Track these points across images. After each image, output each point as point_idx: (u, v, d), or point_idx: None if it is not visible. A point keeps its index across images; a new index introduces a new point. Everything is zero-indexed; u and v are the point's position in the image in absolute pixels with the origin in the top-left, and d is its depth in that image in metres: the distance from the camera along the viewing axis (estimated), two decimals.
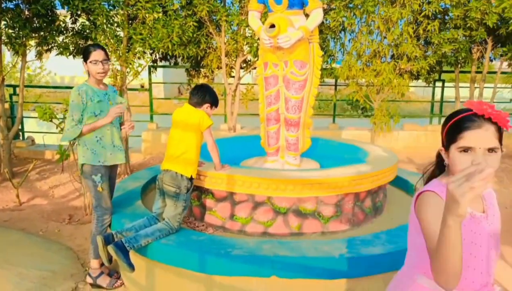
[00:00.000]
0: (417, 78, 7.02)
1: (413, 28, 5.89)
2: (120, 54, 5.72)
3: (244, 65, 6.68)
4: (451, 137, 1.21)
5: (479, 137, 1.15)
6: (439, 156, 1.36)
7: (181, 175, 2.66)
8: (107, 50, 5.59)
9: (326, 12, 5.88)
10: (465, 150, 1.17)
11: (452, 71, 6.96)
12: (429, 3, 5.80)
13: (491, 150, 1.16)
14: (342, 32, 6.44)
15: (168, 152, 2.76)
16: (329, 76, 6.98)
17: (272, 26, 3.32)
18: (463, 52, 6.03)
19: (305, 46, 3.52)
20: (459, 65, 6.61)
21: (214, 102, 2.88)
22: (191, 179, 2.73)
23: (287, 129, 3.65)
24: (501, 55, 6.22)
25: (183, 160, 2.69)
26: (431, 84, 7.58)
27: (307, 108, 3.65)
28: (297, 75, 3.54)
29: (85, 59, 2.88)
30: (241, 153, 4.10)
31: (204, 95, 2.81)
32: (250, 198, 2.95)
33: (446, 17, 6.13)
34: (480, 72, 6.52)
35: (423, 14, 5.85)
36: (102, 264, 2.97)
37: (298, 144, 3.68)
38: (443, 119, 6.78)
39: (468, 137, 1.17)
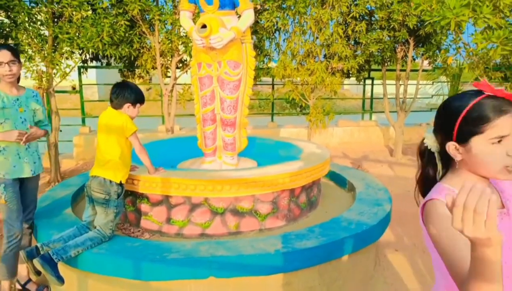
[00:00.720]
0: (348, 76, 7.38)
1: (342, 29, 6.17)
2: (46, 54, 5.38)
3: (180, 65, 6.59)
4: (474, 128, 1.01)
5: (511, 122, 0.99)
6: (423, 153, 1.20)
7: (110, 181, 2.56)
8: (28, 50, 5.27)
9: (260, 12, 5.97)
10: (500, 140, 0.99)
11: (380, 70, 7.40)
12: (356, 5, 6.11)
13: None
14: (277, 32, 6.58)
15: (96, 157, 2.65)
16: (266, 75, 7.10)
17: (204, 26, 3.31)
18: (388, 51, 6.44)
19: (238, 47, 3.55)
20: (386, 64, 7.04)
21: (136, 100, 2.68)
22: (121, 184, 2.63)
23: (223, 129, 3.67)
24: (422, 54, 6.73)
25: (111, 165, 2.59)
26: (361, 82, 8.00)
27: (243, 108, 3.69)
28: (231, 75, 3.56)
29: None
30: (178, 154, 4.05)
31: (123, 94, 2.63)
32: (186, 200, 2.93)
33: (372, 19, 6.49)
34: (405, 70, 6.99)
35: (351, 15, 6.15)
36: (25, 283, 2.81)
37: (235, 144, 3.71)
38: (373, 115, 7.15)
39: (503, 124, 0.98)
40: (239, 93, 3.63)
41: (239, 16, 3.53)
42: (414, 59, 7.15)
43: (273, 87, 7.96)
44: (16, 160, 2.69)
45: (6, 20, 5.44)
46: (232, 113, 3.61)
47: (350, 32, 6.33)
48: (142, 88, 7.90)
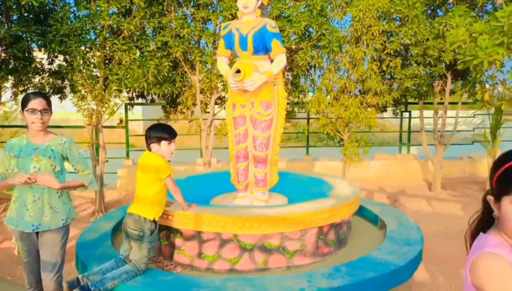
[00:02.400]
0: (385, 110, 7.38)
1: (377, 65, 6.25)
2: (96, 93, 5.88)
3: (219, 101, 6.91)
4: (504, 188, 1.03)
5: None
6: (486, 202, 1.16)
7: (144, 218, 2.72)
8: (82, 91, 5.77)
9: (295, 51, 6.20)
10: None
11: (418, 103, 7.34)
12: (391, 42, 6.20)
13: None
14: (312, 69, 6.77)
15: (135, 194, 2.87)
16: (301, 110, 7.27)
17: (238, 71, 3.55)
18: (425, 86, 6.41)
19: (270, 89, 3.75)
20: (423, 98, 6.99)
21: (162, 137, 2.76)
22: (154, 222, 2.79)
23: (255, 166, 3.83)
24: (460, 88, 6.63)
25: (145, 202, 2.77)
26: (398, 116, 7.94)
27: (274, 146, 3.84)
28: (263, 115, 3.75)
29: (23, 107, 2.61)
30: (213, 189, 4.23)
31: (149, 135, 2.78)
32: (217, 236, 3.07)
33: (408, 54, 6.52)
34: (443, 103, 6.90)
35: (385, 52, 6.23)
36: None
37: (266, 180, 3.85)
38: (411, 148, 7.07)
39: None
40: (271, 132, 3.80)
41: (272, 60, 3.74)
42: (453, 93, 7.06)
43: (308, 121, 8.09)
44: (23, 212, 2.63)
45: (64, 63, 6.03)
46: (264, 151, 3.77)
47: (385, 67, 6.40)
48: (184, 122, 8.32)
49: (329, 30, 5.74)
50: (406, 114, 8.23)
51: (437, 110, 7.03)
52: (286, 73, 6.88)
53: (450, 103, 6.94)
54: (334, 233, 3.48)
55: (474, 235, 1.20)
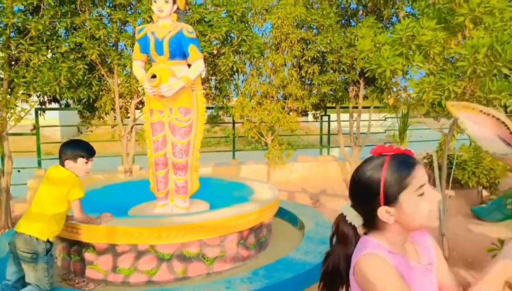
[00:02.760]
0: (306, 114, 7.70)
1: (296, 71, 6.50)
2: (0, 98, 5.35)
3: (140, 106, 6.68)
4: (399, 186, 1.05)
5: (422, 171, 1.07)
6: (338, 225, 1.19)
7: (36, 238, 2.47)
8: None
9: (217, 56, 6.22)
10: (423, 192, 1.05)
11: (335, 107, 7.77)
12: (308, 49, 6.49)
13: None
14: (236, 74, 6.84)
15: (28, 209, 2.58)
16: (226, 114, 7.31)
17: (154, 76, 3.46)
18: (340, 91, 6.81)
19: (189, 94, 3.71)
20: (339, 102, 7.41)
21: (80, 154, 2.61)
22: (48, 241, 2.55)
23: (175, 173, 3.76)
24: (372, 93, 7.15)
25: (41, 219, 2.51)
26: (318, 119, 8.34)
27: (194, 152, 3.81)
28: (182, 121, 3.70)
29: None
30: (133, 197, 4.08)
31: (64, 153, 2.60)
32: (132, 248, 2.96)
33: (324, 61, 6.88)
34: (357, 107, 7.37)
35: (304, 58, 6.50)
36: None
37: (187, 187, 3.80)
38: (331, 150, 7.39)
39: (419, 174, 1.06)
40: (190, 138, 3.76)
41: (190, 65, 3.71)
42: (367, 97, 7.58)
43: (233, 126, 8.16)
44: None
45: None
46: (184, 157, 3.72)
47: (304, 74, 6.68)
48: (107, 127, 7.90)
49: (250, 36, 5.85)
50: (326, 118, 8.67)
51: (352, 114, 7.50)
52: (209, 77, 6.88)
53: (364, 107, 7.44)
54: (254, 237, 3.54)
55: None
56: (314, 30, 6.69)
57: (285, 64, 6.54)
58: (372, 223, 1.14)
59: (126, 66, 6.05)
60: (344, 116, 7.95)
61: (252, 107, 6.60)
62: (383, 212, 1.08)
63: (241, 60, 6.24)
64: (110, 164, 7.45)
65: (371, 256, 1.05)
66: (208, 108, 7.41)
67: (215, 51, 6.00)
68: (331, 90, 6.78)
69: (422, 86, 4.02)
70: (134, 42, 5.82)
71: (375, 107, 7.69)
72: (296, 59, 6.57)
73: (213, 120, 7.19)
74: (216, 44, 6.02)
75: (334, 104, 7.65)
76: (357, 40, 5.92)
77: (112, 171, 7.16)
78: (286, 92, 6.59)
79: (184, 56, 3.68)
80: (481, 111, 1.18)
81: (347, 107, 7.76)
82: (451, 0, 4.07)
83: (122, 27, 6.05)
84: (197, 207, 3.85)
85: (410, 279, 1.06)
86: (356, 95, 7.33)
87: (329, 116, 8.65)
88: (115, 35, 5.77)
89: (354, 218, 1.15)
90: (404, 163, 1.06)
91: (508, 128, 1.13)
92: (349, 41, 6.24)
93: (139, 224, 2.93)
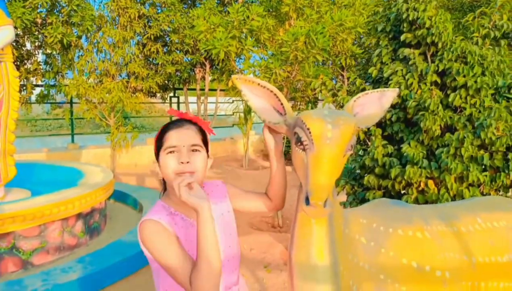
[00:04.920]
0: (154, 95, 7.47)
1: (139, 49, 6.22)
2: None
3: None
4: (159, 144, 1.16)
5: (181, 135, 1.14)
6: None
7: None
8: None
9: (43, 26, 5.49)
10: (171, 150, 1.13)
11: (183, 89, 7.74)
12: (150, 27, 6.26)
13: (194, 149, 1.15)
14: (71, 49, 6.16)
15: None
16: (59, 93, 6.57)
17: None
18: (186, 72, 6.79)
19: None
20: (187, 84, 7.41)
21: None
22: None
23: None
24: (217, 76, 7.35)
25: None
26: (167, 101, 8.21)
27: (6, 133, 3.31)
28: None
29: None
30: None
31: None
32: None
33: (168, 41, 6.75)
34: (204, 89, 7.49)
35: (146, 36, 6.25)
36: None
37: (0, 175, 3.29)
38: None
39: (171, 137, 1.14)
40: (1, 116, 3.25)
41: None
42: (214, 80, 7.75)
43: (71, 106, 7.41)
44: None
45: None
46: None
47: (147, 52, 6.43)
48: None
49: (82, 7, 5.32)
50: (174, 100, 8.59)
51: (200, 96, 7.59)
52: (36, 50, 6.05)
53: (211, 90, 7.61)
54: (84, 223, 3.30)
55: None
56: (158, 9, 6.49)
57: (127, 42, 6.18)
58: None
59: None
60: (193, 99, 8.01)
61: (91, 86, 6.07)
62: (156, 165, 1.18)
63: (72, 33, 5.64)
64: None
65: (146, 222, 1.11)
66: (36, 85, 6.56)
67: (39, 20, 5.28)
68: (176, 71, 6.71)
69: (254, 69, 4.30)
70: None
71: (221, 90, 7.94)
72: (138, 36, 6.28)
73: (43, 99, 6.38)
74: (41, 12, 5.30)
75: (181, 86, 7.61)
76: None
77: None
78: (129, 70, 6.26)
79: None
80: (259, 84, 1.28)
81: (195, 89, 7.83)
82: None
83: None
84: (14, 196, 3.38)
85: (189, 235, 1.14)
86: (203, 78, 7.43)
87: (178, 97, 8.59)
88: None
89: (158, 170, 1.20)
90: (168, 125, 1.17)
91: (279, 100, 1.27)
92: (192, 22, 6.25)
93: None
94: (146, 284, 3.22)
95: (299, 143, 1.11)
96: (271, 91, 1.28)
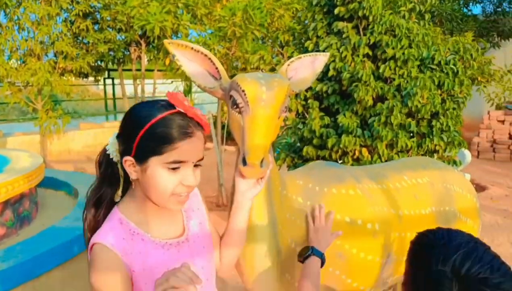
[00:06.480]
0: (86, 76, 7.04)
1: (66, 26, 5.80)
2: None
3: None
4: (154, 147, 0.88)
5: (193, 148, 0.90)
6: (101, 163, 0.99)
7: None
8: None
9: None
10: (178, 167, 0.89)
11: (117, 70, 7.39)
12: (78, 3, 5.85)
13: (197, 165, 0.93)
14: None
15: None
16: None
17: None
18: (119, 52, 6.47)
19: None
20: (121, 64, 7.07)
21: None
22: None
23: None
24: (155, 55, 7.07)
25: None
26: (101, 83, 7.79)
27: None
28: None
29: None
30: None
31: None
32: None
33: (99, 18, 6.36)
34: (140, 70, 7.19)
35: (74, 13, 5.84)
36: None
37: None
38: (118, 115, 7.04)
39: (183, 150, 0.88)
40: None
41: None
42: (151, 59, 7.45)
43: None
44: None
45: None
46: None
47: (76, 30, 6.02)
48: None
49: None
50: (108, 81, 8.18)
51: (136, 77, 7.29)
52: None
53: (148, 70, 7.32)
54: (12, 212, 3.06)
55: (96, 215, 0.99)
56: None
57: (52, 18, 5.73)
58: (126, 175, 0.95)
59: None
60: (129, 81, 7.66)
61: (13, 68, 5.58)
62: (128, 162, 0.91)
63: None
64: None
65: (97, 248, 0.90)
66: None
67: None
68: (109, 50, 6.36)
69: None
70: None
71: (159, 70, 7.68)
72: (65, 14, 5.84)
73: None
74: None
75: (116, 67, 7.25)
76: None
77: None
78: (56, 50, 5.82)
79: None
80: (192, 48, 1.24)
81: (131, 70, 7.49)
82: None
83: None
84: None
85: (148, 260, 0.95)
86: (139, 57, 7.12)
87: (113, 79, 8.19)
88: None
89: (114, 152, 0.96)
90: (178, 128, 0.89)
91: (214, 64, 1.25)
92: None
93: None
94: (84, 270, 3.09)
95: (235, 106, 1.10)
96: (205, 55, 1.24)
